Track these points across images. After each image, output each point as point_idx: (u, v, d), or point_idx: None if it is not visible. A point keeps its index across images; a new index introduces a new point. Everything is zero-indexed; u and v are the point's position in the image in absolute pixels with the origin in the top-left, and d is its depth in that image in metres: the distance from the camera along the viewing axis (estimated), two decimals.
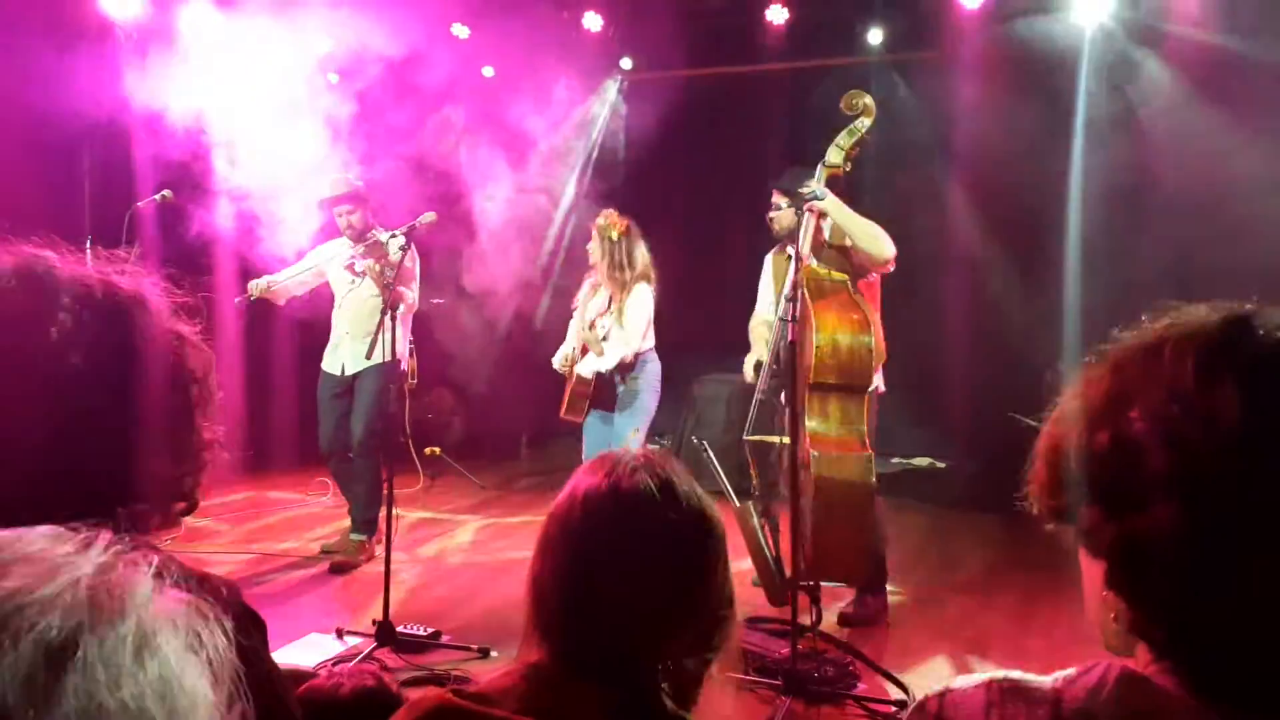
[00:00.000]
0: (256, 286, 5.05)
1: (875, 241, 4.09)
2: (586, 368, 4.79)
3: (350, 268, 5.11)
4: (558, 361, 5.02)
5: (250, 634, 0.90)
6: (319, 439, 5.30)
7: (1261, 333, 0.77)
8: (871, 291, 4.29)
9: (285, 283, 5.15)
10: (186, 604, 0.50)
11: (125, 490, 0.88)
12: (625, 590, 1.13)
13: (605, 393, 4.82)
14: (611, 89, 8.58)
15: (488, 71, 8.15)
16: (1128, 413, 0.77)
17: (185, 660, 0.48)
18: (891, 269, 4.20)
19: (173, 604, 0.50)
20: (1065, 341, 7.09)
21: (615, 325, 4.71)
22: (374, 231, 5.11)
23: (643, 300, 4.71)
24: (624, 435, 4.77)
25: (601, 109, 8.62)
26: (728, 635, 1.21)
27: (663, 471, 1.21)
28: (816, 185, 4.02)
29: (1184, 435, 0.73)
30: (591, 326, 4.76)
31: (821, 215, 4.13)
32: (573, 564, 1.16)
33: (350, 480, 5.28)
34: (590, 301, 4.93)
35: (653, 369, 4.86)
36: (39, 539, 0.49)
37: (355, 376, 5.20)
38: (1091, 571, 0.83)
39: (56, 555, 0.48)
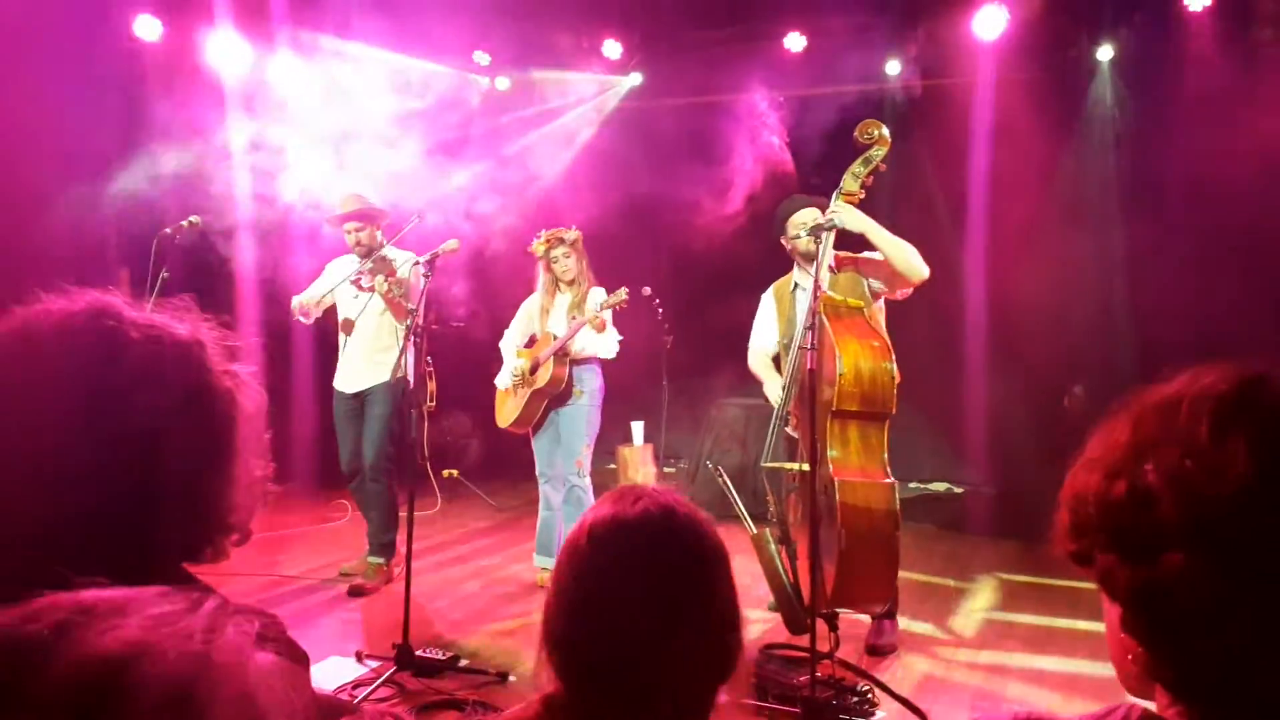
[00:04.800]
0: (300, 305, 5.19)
1: (909, 262, 4.11)
2: (593, 345, 5.04)
3: (357, 283, 5.06)
4: (508, 380, 5.21)
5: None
6: (340, 460, 5.33)
7: (1273, 392, 0.81)
8: (878, 317, 4.32)
9: (319, 301, 5.21)
10: (281, 668, 0.54)
11: (184, 523, 0.92)
12: (629, 618, 1.17)
13: (564, 394, 5.10)
14: (617, 93, 8.49)
15: (502, 84, 8.27)
16: (1144, 465, 0.81)
17: (280, 717, 0.52)
18: (911, 292, 4.24)
19: (270, 667, 0.53)
20: (1082, 366, 7.08)
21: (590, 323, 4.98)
22: (384, 248, 5.14)
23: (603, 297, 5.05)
24: (577, 450, 5.10)
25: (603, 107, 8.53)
26: (734, 659, 1.24)
27: (666, 499, 1.26)
28: (835, 212, 4.04)
29: (1196, 488, 0.77)
30: (598, 315, 4.96)
31: (863, 235, 4.14)
32: (579, 594, 1.20)
33: (366, 503, 5.30)
34: (551, 315, 5.19)
35: (599, 386, 5.18)
36: (151, 597, 0.53)
37: (363, 397, 5.21)
38: (1110, 614, 0.86)
39: (169, 611, 0.52)
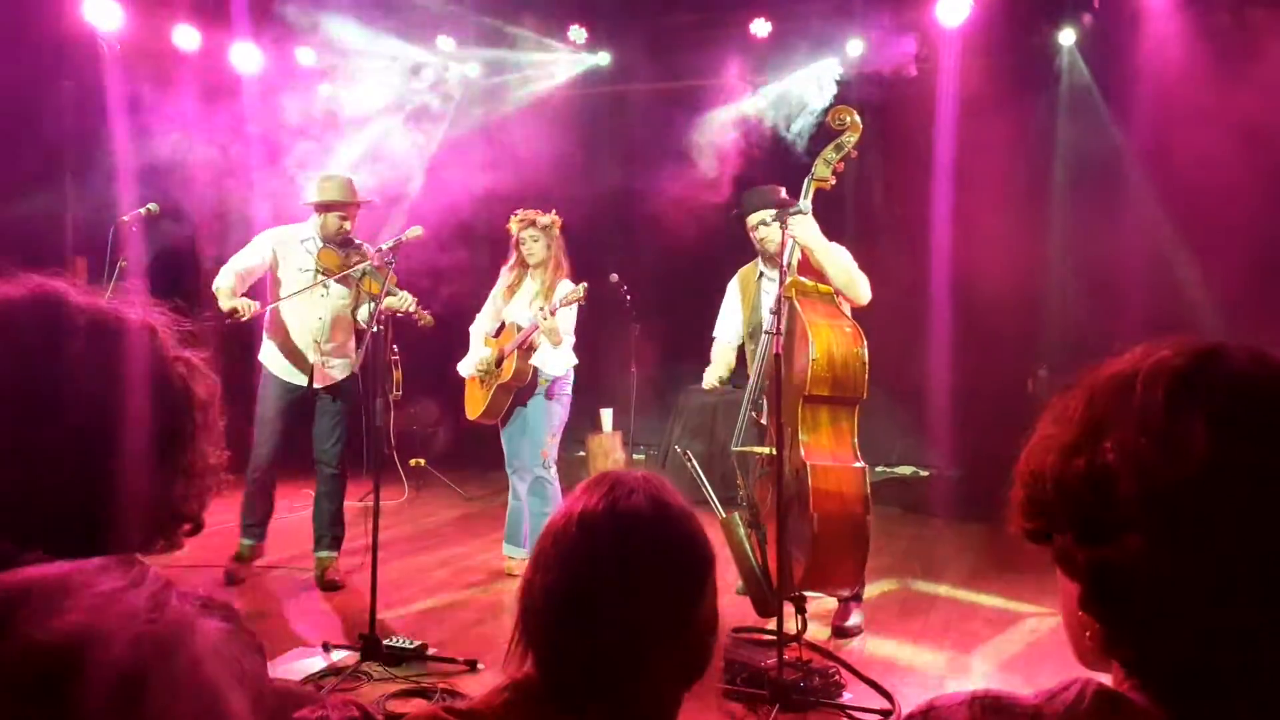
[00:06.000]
0: (248, 307, 4.74)
1: (853, 286, 4.13)
2: (543, 360, 4.98)
3: (345, 280, 4.90)
4: (471, 368, 5.16)
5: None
6: (262, 451, 4.95)
7: (1229, 366, 0.80)
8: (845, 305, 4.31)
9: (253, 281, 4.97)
10: (229, 634, 0.52)
11: (135, 513, 0.89)
12: (615, 610, 1.15)
13: (530, 388, 5.06)
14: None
15: (472, 70, 8.19)
16: (1101, 443, 0.80)
17: (231, 685, 0.50)
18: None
19: (218, 635, 0.52)
20: (1047, 348, 7.17)
21: (551, 319, 4.83)
22: (355, 242, 4.97)
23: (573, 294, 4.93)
24: (542, 441, 5.06)
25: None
26: (709, 660, 1.23)
27: (659, 495, 1.23)
28: (803, 201, 4.05)
29: (1152, 466, 0.76)
30: (553, 314, 4.82)
31: (805, 248, 4.10)
32: (566, 581, 1.17)
33: (325, 494, 5.12)
34: (513, 303, 5.14)
35: (567, 377, 5.13)
36: (92, 572, 0.51)
37: (319, 389, 5.00)
38: (1067, 591, 0.86)
39: (111, 589, 0.50)
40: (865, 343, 4.00)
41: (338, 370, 5.03)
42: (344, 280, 4.93)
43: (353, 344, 5.01)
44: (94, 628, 0.49)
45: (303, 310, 4.97)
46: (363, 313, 4.93)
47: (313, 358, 4.98)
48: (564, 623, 1.16)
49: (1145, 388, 0.80)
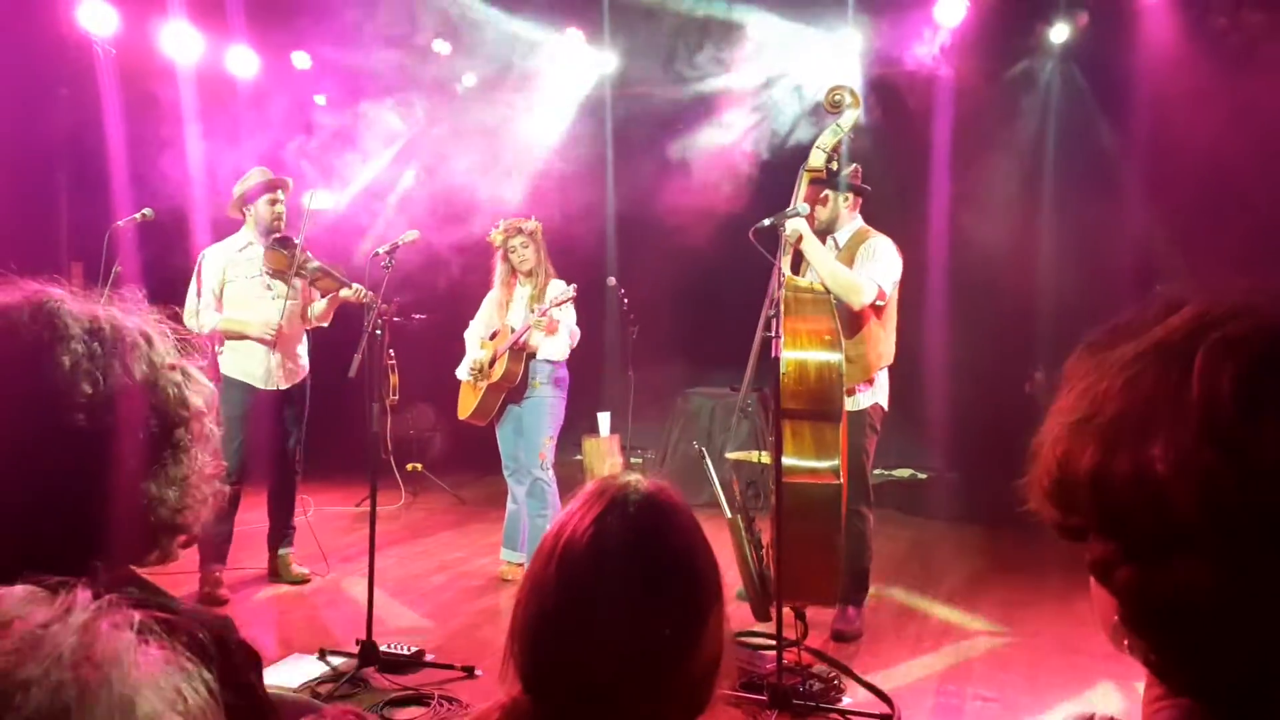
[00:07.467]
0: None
1: (847, 291, 3.98)
2: (545, 349, 5.00)
3: (285, 279, 4.89)
4: (467, 372, 5.17)
5: (243, 671, 0.91)
6: (230, 463, 4.98)
7: None
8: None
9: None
10: (168, 661, 0.50)
11: (128, 524, 0.88)
12: (593, 644, 1.06)
13: (520, 389, 5.06)
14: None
15: (469, 80, 8.15)
16: (1150, 447, 0.64)
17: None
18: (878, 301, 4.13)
19: (154, 664, 0.49)
20: (1044, 350, 7.16)
21: (553, 313, 4.91)
22: (294, 240, 4.94)
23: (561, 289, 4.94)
24: (539, 443, 5.05)
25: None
26: (708, 699, 1.13)
27: (658, 516, 1.12)
28: (796, 203, 3.95)
29: (1221, 486, 0.61)
30: (544, 315, 4.87)
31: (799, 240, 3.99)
32: (545, 608, 1.09)
33: (287, 494, 5.19)
34: (511, 308, 5.13)
35: (562, 377, 5.13)
36: (15, 604, 0.49)
37: (288, 394, 5.05)
38: (1102, 596, 0.73)
39: (36, 626, 0.47)
40: (843, 352, 3.81)
41: (295, 372, 5.08)
42: (284, 280, 4.90)
43: (304, 345, 5.13)
44: (11, 678, 0.46)
45: (257, 314, 4.95)
46: (315, 309, 5.11)
47: (273, 360, 4.97)
48: (540, 650, 1.09)
49: (1207, 370, 0.63)
